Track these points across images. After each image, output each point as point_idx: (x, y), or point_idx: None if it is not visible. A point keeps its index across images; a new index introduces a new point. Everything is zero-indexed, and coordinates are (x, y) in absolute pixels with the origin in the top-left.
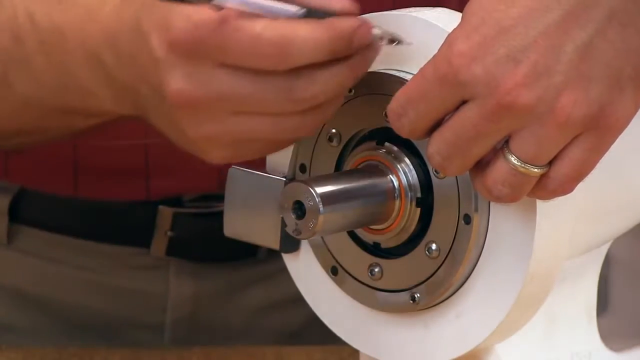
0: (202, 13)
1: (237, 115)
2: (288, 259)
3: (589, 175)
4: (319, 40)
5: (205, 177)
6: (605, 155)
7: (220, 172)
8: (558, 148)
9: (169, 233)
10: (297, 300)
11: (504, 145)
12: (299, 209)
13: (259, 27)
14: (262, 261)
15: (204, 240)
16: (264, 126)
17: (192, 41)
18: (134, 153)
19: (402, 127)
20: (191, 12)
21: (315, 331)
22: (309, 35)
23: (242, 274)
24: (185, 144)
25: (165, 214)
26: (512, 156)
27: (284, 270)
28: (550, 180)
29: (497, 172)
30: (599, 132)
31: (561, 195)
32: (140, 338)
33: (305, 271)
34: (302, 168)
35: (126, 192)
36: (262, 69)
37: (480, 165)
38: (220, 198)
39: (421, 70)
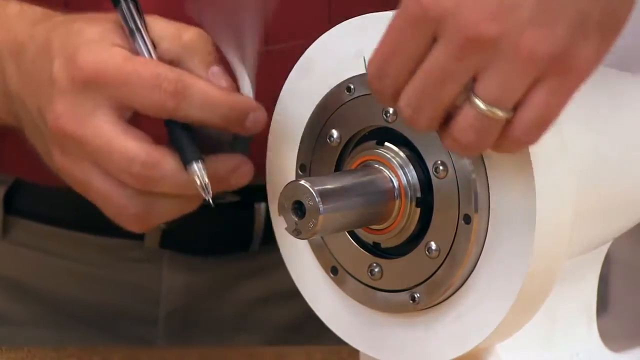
0: (110, 50)
1: (102, 174)
2: (288, 259)
3: (590, 176)
4: (215, 97)
5: None
6: (605, 154)
7: None
8: (522, 89)
9: (162, 225)
10: (292, 294)
11: (470, 91)
12: (299, 209)
13: (161, 68)
14: (255, 254)
15: (198, 233)
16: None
17: (95, 72)
18: None
19: (386, 88)
20: (100, 49)
21: (311, 325)
22: (203, 88)
23: (235, 267)
24: (53, 168)
25: None
26: (477, 99)
27: (278, 263)
28: (515, 127)
29: (464, 118)
30: (561, 75)
31: (526, 145)
32: (134, 330)
33: (305, 271)
34: (302, 168)
35: None
36: (151, 106)
37: (448, 120)
38: None
39: (391, 24)
